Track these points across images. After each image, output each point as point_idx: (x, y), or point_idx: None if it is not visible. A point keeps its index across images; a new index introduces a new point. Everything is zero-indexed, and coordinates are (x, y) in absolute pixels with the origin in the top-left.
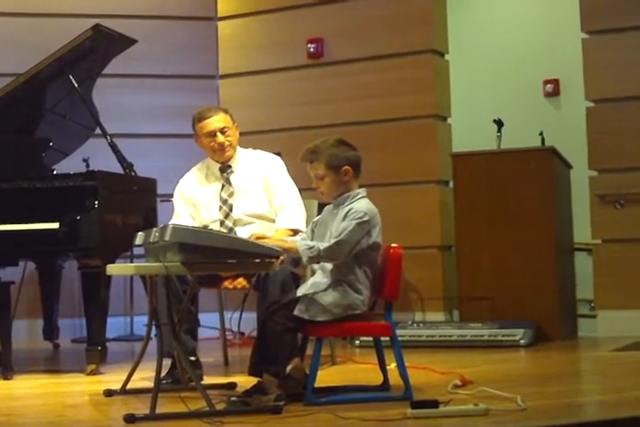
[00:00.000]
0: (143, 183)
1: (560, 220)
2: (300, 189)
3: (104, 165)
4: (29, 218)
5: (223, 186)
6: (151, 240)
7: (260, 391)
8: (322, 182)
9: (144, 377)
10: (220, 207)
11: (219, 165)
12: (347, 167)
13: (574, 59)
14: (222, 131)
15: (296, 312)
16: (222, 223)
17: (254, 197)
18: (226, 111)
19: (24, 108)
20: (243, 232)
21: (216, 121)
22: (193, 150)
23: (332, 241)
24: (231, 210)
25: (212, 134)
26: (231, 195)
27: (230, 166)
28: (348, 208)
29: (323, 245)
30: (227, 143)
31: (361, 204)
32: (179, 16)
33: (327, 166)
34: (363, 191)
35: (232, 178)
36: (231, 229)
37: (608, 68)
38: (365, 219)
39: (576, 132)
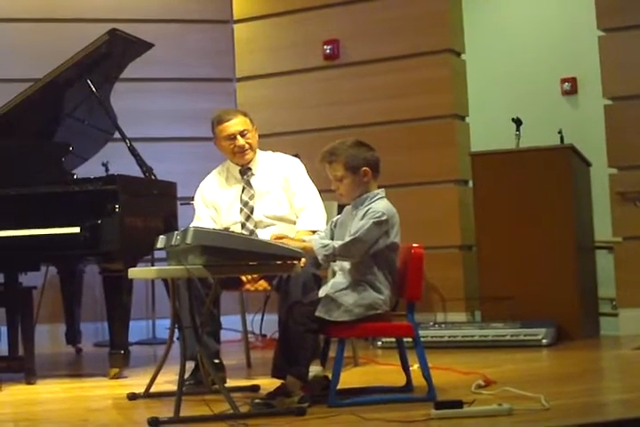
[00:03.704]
0: (163, 187)
1: (580, 218)
2: (319, 191)
3: (123, 169)
4: (50, 223)
5: (244, 188)
6: (173, 243)
7: (284, 393)
8: (341, 184)
9: (167, 380)
10: (241, 210)
11: (239, 168)
12: (365, 168)
13: (591, 56)
14: (242, 134)
15: (317, 313)
16: (243, 226)
17: (275, 199)
18: (245, 114)
19: (43, 113)
20: (264, 234)
21: (235, 124)
22: (212, 153)
23: (348, 239)
24: (252, 212)
25: (232, 137)
26: (252, 197)
27: (250, 169)
28: (366, 208)
29: (338, 243)
30: (247, 146)
31: (380, 204)
32: (195, 19)
33: (346, 167)
34: (382, 192)
35: (252, 180)
36: (252, 232)
37: (625, 65)
38: (383, 218)
39: (595, 129)
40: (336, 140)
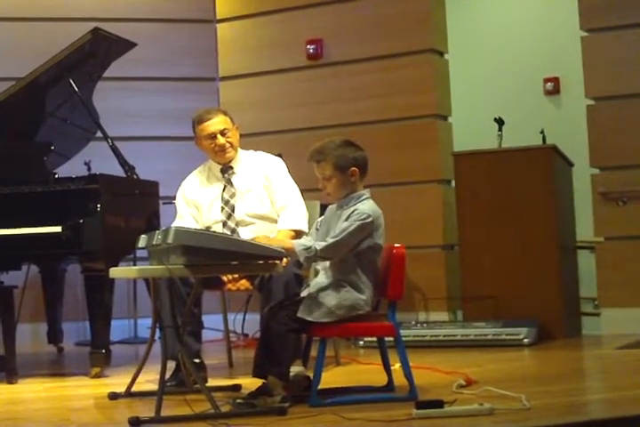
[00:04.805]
0: (145, 186)
1: (562, 218)
2: (301, 190)
3: (106, 168)
4: (32, 222)
5: (225, 187)
6: (154, 243)
7: (265, 393)
8: (328, 183)
9: (148, 380)
10: (222, 208)
11: (220, 167)
12: (354, 168)
13: (574, 57)
14: (222, 132)
15: (299, 313)
16: (225, 224)
17: (256, 197)
18: (225, 113)
19: (25, 113)
20: (245, 233)
21: (216, 123)
22: (194, 153)
23: (330, 241)
24: (233, 211)
25: (213, 136)
26: (233, 196)
27: (232, 167)
28: (352, 209)
29: (320, 244)
30: (227, 145)
31: (365, 205)
32: (178, 19)
33: (335, 167)
34: (367, 192)
35: (234, 179)
36: (234, 230)
37: (608, 65)
38: (368, 220)
39: (577, 129)
40: (324, 139)
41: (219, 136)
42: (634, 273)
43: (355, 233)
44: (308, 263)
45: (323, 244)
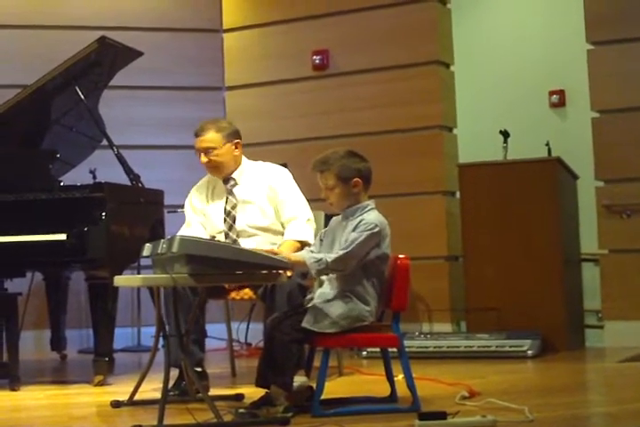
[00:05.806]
0: (150, 195)
1: (567, 230)
2: (307, 200)
3: (111, 176)
4: (37, 229)
5: (227, 198)
6: (159, 251)
7: (268, 403)
8: (331, 193)
9: (151, 388)
10: (225, 219)
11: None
12: (357, 179)
13: (580, 69)
14: (206, 151)
15: (304, 323)
16: (227, 235)
17: (258, 208)
18: (219, 130)
19: (31, 120)
20: (247, 244)
21: (202, 141)
22: (199, 162)
23: (341, 252)
24: (234, 222)
25: (199, 153)
26: (234, 207)
27: (234, 179)
28: (358, 219)
29: (330, 256)
30: (210, 163)
31: (371, 215)
32: (185, 28)
33: (337, 177)
34: (372, 203)
35: (235, 190)
36: (235, 242)
37: (613, 78)
38: (376, 230)
39: (582, 142)
40: (329, 150)
41: (202, 154)
42: (638, 286)
43: (363, 244)
44: (319, 275)
45: (333, 255)
